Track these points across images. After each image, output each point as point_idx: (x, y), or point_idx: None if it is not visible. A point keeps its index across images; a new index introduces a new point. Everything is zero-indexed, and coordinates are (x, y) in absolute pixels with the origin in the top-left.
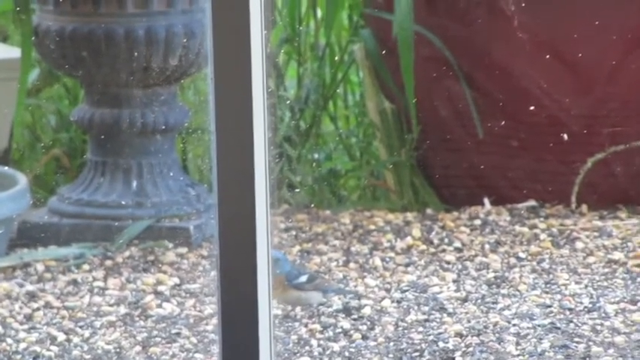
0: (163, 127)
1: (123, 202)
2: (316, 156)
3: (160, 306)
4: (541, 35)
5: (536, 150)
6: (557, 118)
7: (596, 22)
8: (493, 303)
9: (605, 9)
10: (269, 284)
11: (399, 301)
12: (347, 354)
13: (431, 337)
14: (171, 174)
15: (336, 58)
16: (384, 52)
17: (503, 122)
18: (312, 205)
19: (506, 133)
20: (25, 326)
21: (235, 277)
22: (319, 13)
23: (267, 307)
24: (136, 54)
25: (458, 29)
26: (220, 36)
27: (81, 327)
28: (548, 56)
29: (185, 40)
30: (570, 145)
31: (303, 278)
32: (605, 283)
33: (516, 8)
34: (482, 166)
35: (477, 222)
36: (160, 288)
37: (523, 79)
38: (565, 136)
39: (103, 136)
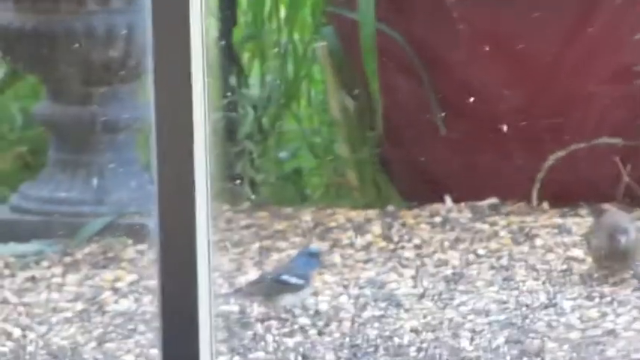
0: (124, 125)
1: (83, 199)
2: (280, 155)
3: (117, 302)
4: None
5: (498, 147)
6: (519, 115)
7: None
8: (450, 299)
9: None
10: (209, 280)
11: (356, 298)
12: (302, 349)
13: (386, 333)
14: (132, 171)
15: (299, 55)
16: (345, 49)
17: (464, 119)
18: (274, 203)
19: (469, 129)
20: None
21: (175, 274)
22: (282, 12)
23: (208, 304)
24: (96, 51)
25: (412, 27)
26: (160, 29)
27: (37, 323)
28: (487, 48)
29: (145, 37)
30: (534, 142)
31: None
32: (563, 280)
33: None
34: (444, 163)
35: (438, 219)
36: (118, 284)
37: (483, 75)
38: (527, 131)
39: (64, 133)
